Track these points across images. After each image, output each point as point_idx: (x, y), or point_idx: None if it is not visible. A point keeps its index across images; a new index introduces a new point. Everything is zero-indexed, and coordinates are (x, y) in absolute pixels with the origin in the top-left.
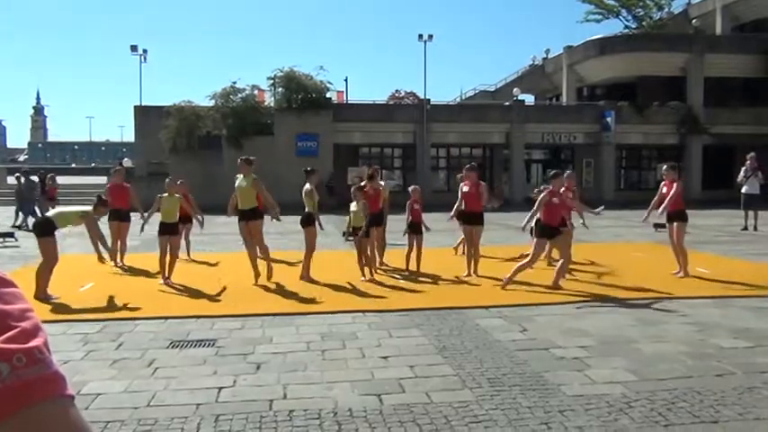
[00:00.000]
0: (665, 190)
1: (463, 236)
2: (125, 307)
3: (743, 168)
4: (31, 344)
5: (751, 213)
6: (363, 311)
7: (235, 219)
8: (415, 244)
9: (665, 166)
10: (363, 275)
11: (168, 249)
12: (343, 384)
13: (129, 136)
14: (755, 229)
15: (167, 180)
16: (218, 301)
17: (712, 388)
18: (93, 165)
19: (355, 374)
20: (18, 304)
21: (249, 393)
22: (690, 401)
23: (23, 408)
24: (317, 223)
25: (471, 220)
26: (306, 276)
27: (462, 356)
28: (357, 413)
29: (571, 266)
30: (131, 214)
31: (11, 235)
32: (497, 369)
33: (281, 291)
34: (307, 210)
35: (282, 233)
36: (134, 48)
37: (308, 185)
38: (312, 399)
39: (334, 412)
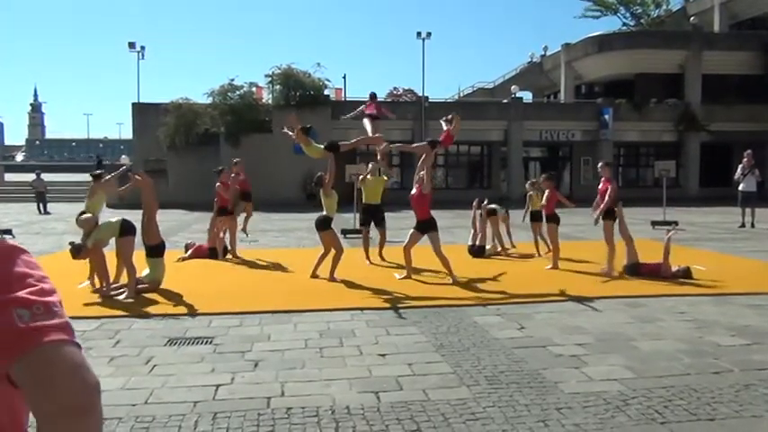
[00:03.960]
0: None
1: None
2: (122, 304)
3: (740, 166)
4: (48, 299)
5: (748, 210)
6: (361, 309)
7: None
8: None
9: (600, 164)
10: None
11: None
12: (341, 382)
13: (128, 133)
14: (753, 226)
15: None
16: (216, 298)
17: (709, 385)
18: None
19: (353, 372)
20: (38, 271)
21: (247, 391)
22: (687, 399)
23: (39, 346)
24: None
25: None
26: (331, 277)
27: (460, 354)
28: (355, 411)
29: (569, 265)
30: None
31: (8, 231)
32: (495, 367)
33: (279, 288)
34: (325, 213)
35: (282, 231)
36: (132, 45)
37: (322, 191)
38: (310, 396)
39: (332, 410)
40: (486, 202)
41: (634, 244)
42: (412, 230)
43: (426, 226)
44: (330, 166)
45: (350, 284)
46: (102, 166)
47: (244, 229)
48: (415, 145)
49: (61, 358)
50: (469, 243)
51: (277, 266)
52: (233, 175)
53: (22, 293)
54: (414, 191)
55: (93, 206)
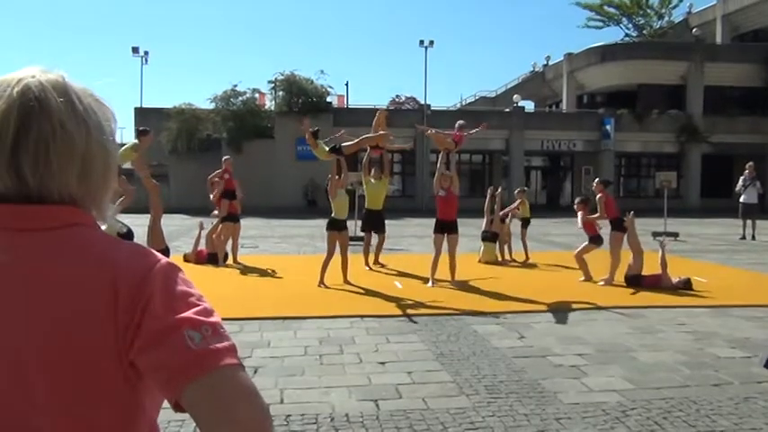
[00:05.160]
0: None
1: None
2: None
3: (741, 177)
4: (213, 319)
5: (749, 222)
6: (361, 316)
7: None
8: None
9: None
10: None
11: None
12: (341, 389)
13: (129, 137)
14: (753, 238)
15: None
16: (216, 304)
17: (708, 397)
18: None
19: (352, 380)
20: (196, 289)
21: None
22: (686, 411)
23: (215, 369)
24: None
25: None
26: (319, 282)
27: (459, 363)
28: (354, 418)
29: (570, 274)
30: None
31: None
32: (494, 376)
33: (279, 295)
34: (332, 215)
35: (283, 237)
36: (135, 49)
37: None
38: (309, 403)
39: (332, 417)
40: (499, 191)
41: (643, 257)
42: (435, 235)
43: (454, 226)
44: (333, 169)
45: (350, 291)
46: None
47: (234, 259)
48: (444, 134)
49: (238, 383)
50: (483, 229)
51: (277, 273)
52: (222, 170)
53: (189, 314)
54: (442, 192)
55: (124, 157)
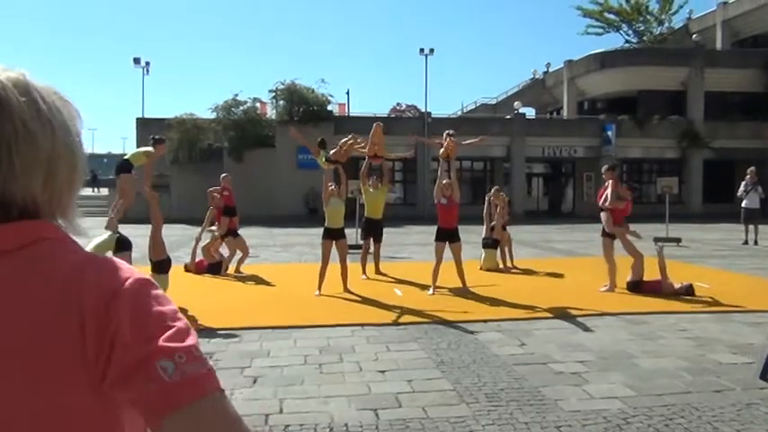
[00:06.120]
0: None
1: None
2: None
3: (743, 182)
4: (188, 342)
5: (751, 227)
6: (362, 325)
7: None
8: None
9: (605, 167)
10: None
11: None
12: (340, 399)
13: (132, 148)
14: (756, 243)
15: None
16: (217, 313)
17: (710, 404)
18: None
19: (352, 389)
20: (169, 306)
21: (245, 407)
22: (688, 417)
23: (187, 403)
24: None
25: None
26: (317, 291)
27: (460, 371)
28: (353, 428)
29: (571, 280)
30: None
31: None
32: (495, 384)
33: (279, 304)
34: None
35: (284, 246)
36: (137, 60)
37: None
38: (309, 413)
39: (331, 427)
40: (499, 191)
41: (642, 261)
42: (436, 243)
43: (455, 234)
44: (326, 177)
45: (350, 300)
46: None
47: (237, 268)
48: (438, 141)
49: (215, 413)
50: (483, 236)
51: (278, 282)
52: (221, 187)
53: (161, 342)
54: (444, 200)
55: (136, 158)
